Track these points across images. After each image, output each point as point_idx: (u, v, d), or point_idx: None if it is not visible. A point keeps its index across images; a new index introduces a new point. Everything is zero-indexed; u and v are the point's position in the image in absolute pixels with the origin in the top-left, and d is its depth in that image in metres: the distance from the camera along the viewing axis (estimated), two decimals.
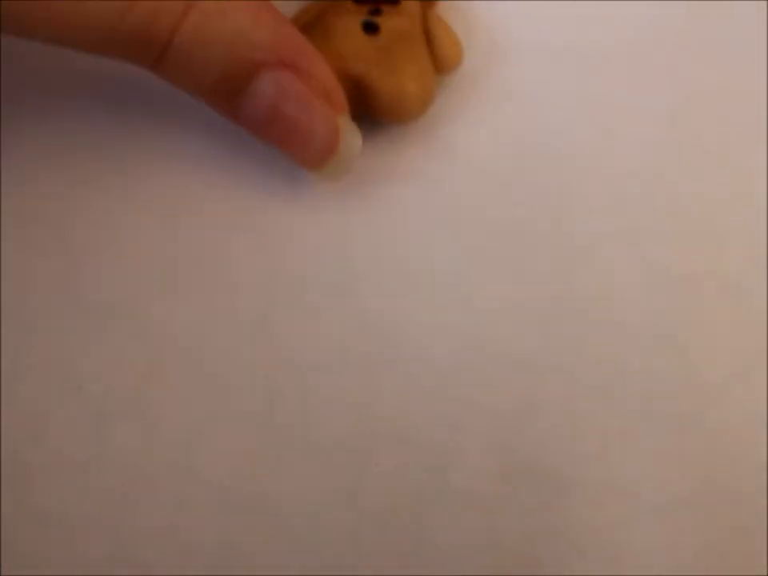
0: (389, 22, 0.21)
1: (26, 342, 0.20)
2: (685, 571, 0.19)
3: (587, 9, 0.26)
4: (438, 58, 0.22)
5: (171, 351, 0.20)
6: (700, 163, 0.23)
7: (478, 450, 0.20)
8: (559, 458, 0.20)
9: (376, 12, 0.21)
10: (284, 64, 0.18)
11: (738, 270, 0.22)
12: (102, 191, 0.21)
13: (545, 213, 0.22)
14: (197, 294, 0.20)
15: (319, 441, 0.20)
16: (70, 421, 0.19)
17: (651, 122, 0.24)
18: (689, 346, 0.21)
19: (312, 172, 0.20)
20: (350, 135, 0.19)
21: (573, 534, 0.19)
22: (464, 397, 0.20)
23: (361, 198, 0.22)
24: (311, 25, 0.21)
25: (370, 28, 0.21)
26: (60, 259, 0.21)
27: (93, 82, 0.23)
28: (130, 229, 0.21)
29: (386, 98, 0.20)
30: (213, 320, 0.20)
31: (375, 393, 0.20)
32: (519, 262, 0.22)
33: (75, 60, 0.22)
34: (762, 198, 0.23)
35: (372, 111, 0.21)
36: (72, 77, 0.23)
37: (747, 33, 0.25)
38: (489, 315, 0.21)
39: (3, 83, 0.22)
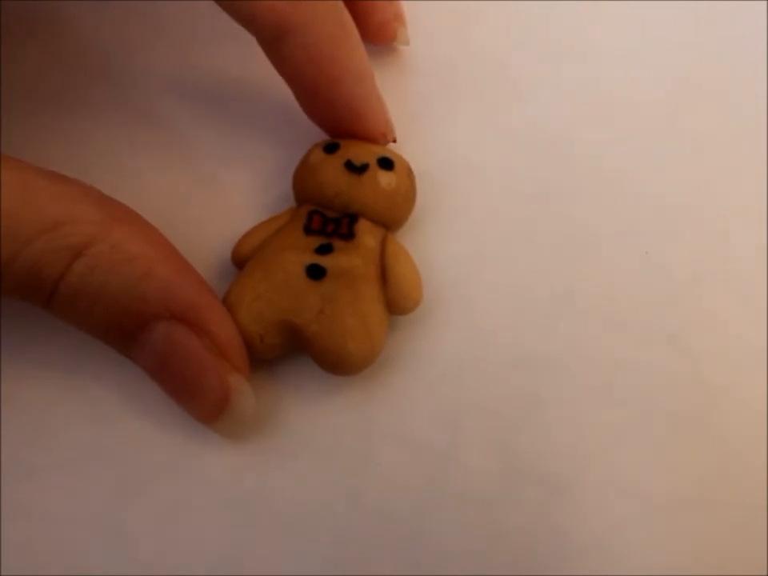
0: (338, 261, 0.19)
1: (27, 341, 0.20)
2: (685, 571, 0.19)
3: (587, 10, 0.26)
4: (393, 300, 0.19)
5: None
6: (701, 162, 0.23)
7: (479, 449, 0.20)
8: (560, 457, 0.20)
9: (326, 249, 0.19)
10: (176, 317, 0.18)
11: (740, 268, 0.22)
12: None
13: (546, 212, 0.22)
14: None
15: (321, 440, 0.20)
16: (70, 421, 0.19)
17: (653, 122, 0.24)
18: (690, 346, 0.21)
19: (206, 426, 0.19)
20: (243, 396, 0.18)
21: (573, 533, 0.19)
22: (465, 396, 0.20)
23: None
24: (257, 254, 0.20)
25: (315, 273, 0.19)
26: None
27: None
28: None
29: (324, 356, 0.19)
30: None
31: (376, 392, 0.20)
32: (520, 261, 0.22)
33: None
34: (762, 197, 0.23)
35: (312, 359, 0.19)
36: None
37: (747, 33, 0.26)
38: (489, 314, 0.21)
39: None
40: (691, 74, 0.25)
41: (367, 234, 0.20)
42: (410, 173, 0.21)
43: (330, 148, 0.20)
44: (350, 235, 0.20)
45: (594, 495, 0.19)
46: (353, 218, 0.20)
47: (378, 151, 0.21)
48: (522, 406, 0.20)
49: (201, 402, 0.18)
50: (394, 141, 0.22)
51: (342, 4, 0.20)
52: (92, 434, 0.19)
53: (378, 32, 0.24)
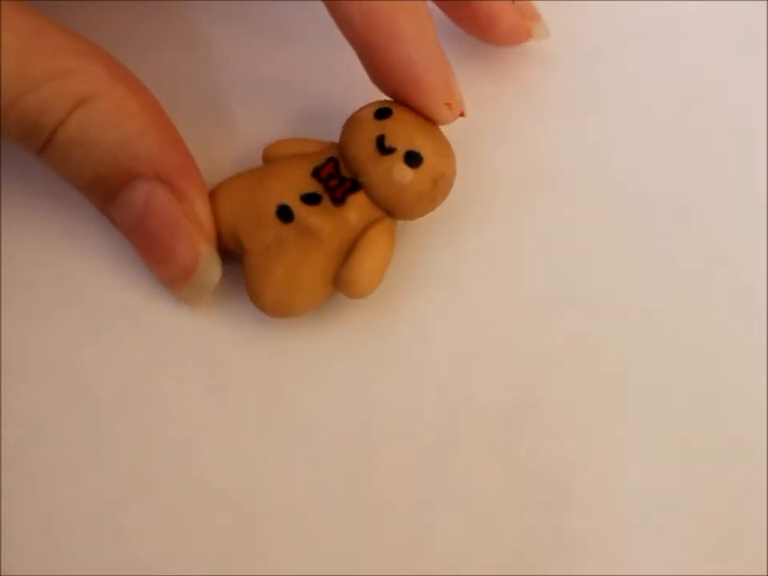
0: (311, 216, 0.19)
1: (27, 341, 0.20)
2: (684, 571, 0.19)
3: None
4: (342, 278, 0.19)
5: (171, 349, 0.20)
6: (702, 163, 0.23)
7: (479, 449, 0.20)
8: (560, 457, 0.20)
9: (314, 199, 0.19)
10: (160, 179, 0.18)
11: (740, 268, 0.22)
12: None
13: (546, 210, 0.22)
14: None
15: (320, 439, 0.20)
16: (70, 421, 0.19)
17: (654, 122, 0.24)
18: (690, 346, 0.21)
19: (169, 289, 0.20)
20: (210, 266, 0.19)
21: (573, 533, 0.19)
22: (465, 396, 0.20)
23: None
24: (272, 162, 0.20)
25: (283, 216, 0.19)
26: (60, 254, 0.21)
27: None
28: None
29: (246, 285, 0.19)
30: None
31: (376, 391, 0.20)
32: (520, 261, 0.22)
33: None
34: (762, 197, 0.23)
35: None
36: None
37: (748, 33, 0.26)
38: (489, 314, 0.21)
39: None
40: (692, 75, 0.25)
41: (355, 210, 0.19)
42: (437, 179, 0.19)
43: (381, 113, 0.19)
44: (340, 201, 0.19)
45: (594, 495, 0.19)
46: (356, 187, 0.19)
47: (420, 142, 0.19)
48: (523, 406, 0.20)
49: (169, 266, 0.19)
50: (463, 115, 0.20)
51: None
52: (92, 433, 0.19)
53: (510, 35, 0.23)
